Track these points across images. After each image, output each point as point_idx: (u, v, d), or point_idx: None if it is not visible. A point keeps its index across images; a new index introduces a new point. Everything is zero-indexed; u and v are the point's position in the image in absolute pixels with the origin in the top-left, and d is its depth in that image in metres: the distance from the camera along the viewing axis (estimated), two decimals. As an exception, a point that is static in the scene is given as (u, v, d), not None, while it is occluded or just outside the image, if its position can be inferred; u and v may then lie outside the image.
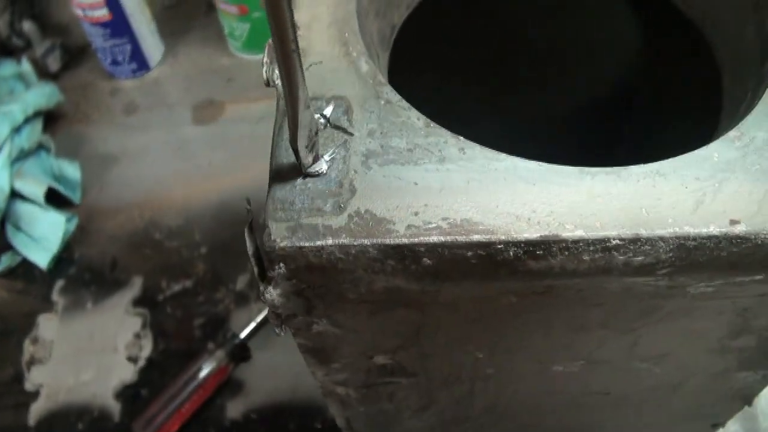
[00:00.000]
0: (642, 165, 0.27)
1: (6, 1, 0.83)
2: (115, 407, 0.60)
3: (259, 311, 0.62)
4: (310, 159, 0.26)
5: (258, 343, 0.61)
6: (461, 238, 0.25)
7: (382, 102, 0.29)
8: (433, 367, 0.35)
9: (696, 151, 0.28)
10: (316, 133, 0.26)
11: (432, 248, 0.25)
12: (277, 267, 0.26)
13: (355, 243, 0.25)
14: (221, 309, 0.64)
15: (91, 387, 0.61)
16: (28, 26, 0.82)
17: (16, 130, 0.71)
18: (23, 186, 0.68)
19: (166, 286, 0.66)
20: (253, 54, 0.81)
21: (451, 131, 0.28)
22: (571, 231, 0.25)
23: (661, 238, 0.26)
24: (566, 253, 0.25)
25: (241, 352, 0.60)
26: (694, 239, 0.26)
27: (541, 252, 0.25)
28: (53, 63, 0.82)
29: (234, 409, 0.58)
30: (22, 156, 0.71)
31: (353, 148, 0.28)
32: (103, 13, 0.75)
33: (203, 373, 0.58)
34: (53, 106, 0.77)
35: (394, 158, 0.27)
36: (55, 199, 0.70)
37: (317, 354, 0.33)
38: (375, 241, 0.25)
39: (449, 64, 0.46)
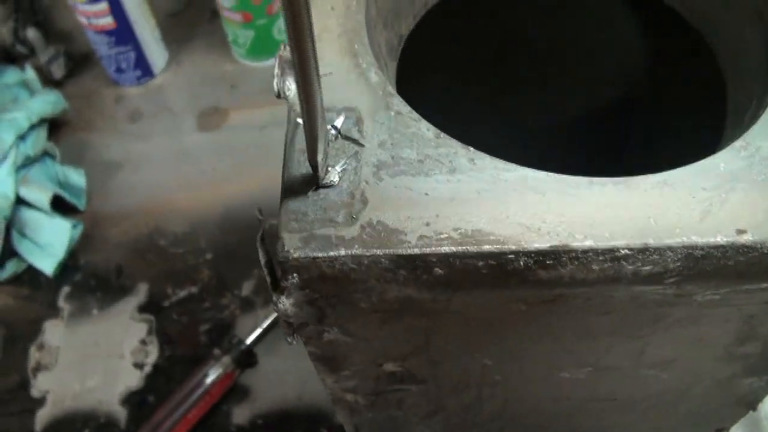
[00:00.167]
0: (650, 175, 0.28)
1: (10, 9, 0.83)
2: (121, 413, 0.60)
3: (265, 317, 0.62)
4: (323, 170, 0.27)
5: (264, 349, 0.61)
6: (472, 249, 0.25)
7: (392, 113, 0.29)
8: (442, 374, 0.36)
9: (702, 161, 0.29)
10: (328, 145, 0.26)
11: (443, 258, 0.26)
12: (290, 277, 0.26)
13: (368, 253, 0.26)
14: (227, 315, 0.64)
15: (97, 393, 0.61)
16: (32, 34, 0.82)
17: (21, 137, 0.71)
18: (28, 193, 0.69)
19: (171, 293, 0.66)
20: (257, 61, 0.82)
21: (458, 134, 0.29)
22: (581, 241, 0.26)
23: (669, 248, 0.26)
24: (576, 262, 0.26)
25: (247, 358, 0.60)
26: (702, 248, 0.26)
27: (551, 262, 0.26)
28: (57, 70, 0.82)
29: (240, 415, 0.59)
30: (27, 163, 0.71)
31: (364, 159, 0.28)
32: (107, 21, 0.75)
33: (209, 379, 0.58)
34: (58, 114, 0.77)
35: (405, 169, 0.28)
36: (60, 205, 0.70)
37: (328, 362, 0.34)
38: (387, 252, 0.26)
39: (455, 70, 0.46)
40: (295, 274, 0.26)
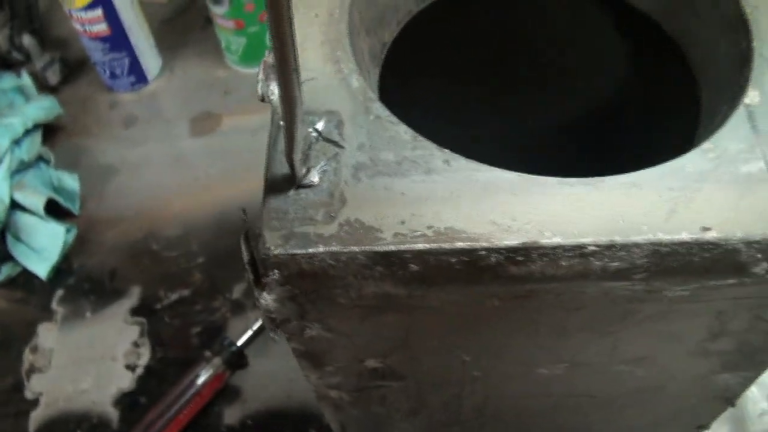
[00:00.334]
0: (618, 176, 0.29)
1: (6, 16, 0.84)
2: (113, 414, 0.61)
3: (256, 319, 0.63)
4: (303, 171, 0.28)
5: (254, 350, 0.62)
6: (445, 245, 0.26)
7: (372, 117, 0.30)
8: (422, 371, 0.37)
9: (670, 163, 0.30)
10: (309, 147, 0.27)
11: (418, 255, 0.27)
12: (271, 273, 0.27)
13: (345, 250, 0.27)
14: (218, 317, 0.65)
15: (90, 395, 0.62)
16: (27, 40, 0.83)
17: (16, 142, 0.72)
18: (23, 197, 0.70)
19: (164, 296, 0.67)
20: (250, 67, 0.83)
21: (438, 137, 0.30)
22: (550, 238, 0.27)
23: (636, 245, 0.27)
24: (545, 258, 0.27)
25: (237, 360, 0.61)
26: (667, 245, 0.27)
27: (522, 258, 0.27)
28: (53, 76, 0.83)
29: (231, 415, 0.60)
30: (22, 168, 0.72)
31: (344, 160, 0.29)
32: (102, 28, 0.76)
33: (200, 380, 0.59)
34: (53, 119, 0.78)
35: (383, 170, 0.29)
36: (54, 210, 0.71)
37: (311, 358, 0.35)
38: (364, 248, 0.27)
39: (442, 75, 0.47)
40: (275, 271, 0.27)
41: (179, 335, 0.64)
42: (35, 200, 0.69)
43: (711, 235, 0.27)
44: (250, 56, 0.81)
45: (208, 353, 0.60)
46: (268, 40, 0.80)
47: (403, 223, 0.27)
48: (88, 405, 0.61)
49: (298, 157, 0.26)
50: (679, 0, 0.39)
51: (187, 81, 0.84)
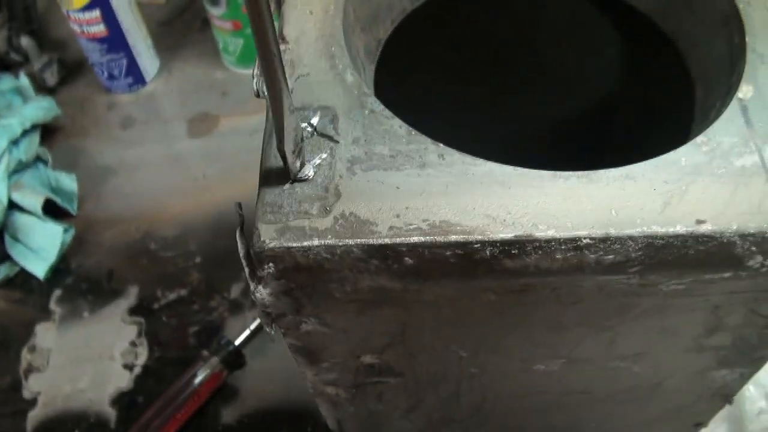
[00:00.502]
0: (612, 169, 0.29)
1: (4, 18, 0.85)
2: (111, 414, 0.61)
3: (253, 319, 0.63)
4: (297, 165, 0.28)
5: (252, 350, 0.62)
6: (440, 238, 0.27)
7: (367, 111, 0.31)
8: (419, 367, 0.37)
9: (664, 156, 0.30)
10: (302, 140, 0.28)
11: (413, 248, 0.27)
12: (266, 267, 0.27)
13: (340, 243, 0.27)
14: (216, 317, 0.65)
15: (87, 394, 0.62)
16: (25, 42, 0.83)
17: (14, 142, 0.72)
18: (21, 198, 0.70)
19: (161, 295, 0.67)
20: (247, 68, 0.83)
21: (434, 135, 0.30)
22: (544, 231, 0.27)
23: (630, 237, 0.27)
24: (540, 252, 0.27)
25: (235, 359, 0.61)
26: (662, 238, 0.27)
27: (516, 251, 0.27)
28: (51, 77, 0.83)
29: (228, 415, 0.59)
30: (20, 168, 0.72)
31: (339, 154, 0.29)
32: (99, 29, 0.77)
33: (198, 379, 0.59)
34: (51, 120, 0.78)
35: (378, 164, 0.29)
36: (52, 210, 0.71)
37: (307, 354, 0.35)
38: (359, 242, 0.27)
39: (438, 72, 0.47)
40: (270, 264, 0.27)
41: (177, 335, 0.64)
42: (33, 200, 0.69)
43: (705, 228, 0.27)
44: (247, 57, 0.82)
45: (205, 353, 0.60)
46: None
47: (398, 216, 0.27)
48: (85, 404, 0.61)
49: (290, 148, 0.26)
50: (675, -3, 0.40)
51: (185, 82, 0.84)
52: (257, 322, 0.63)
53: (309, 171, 0.28)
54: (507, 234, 0.27)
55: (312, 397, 0.40)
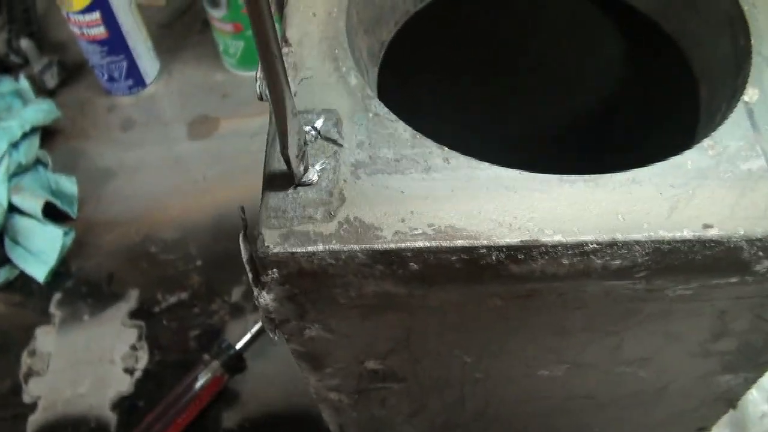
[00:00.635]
0: (618, 173, 0.29)
1: (4, 20, 0.84)
2: (111, 418, 0.60)
3: (255, 322, 0.63)
4: (301, 169, 0.27)
5: (253, 353, 0.61)
6: (446, 244, 0.26)
7: (371, 114, 0.30)
8: (423, 372, 0.36)
9: (670, 160, 0.30)
10: (306, 144, 0.27)
11: (418, 253, 0.26)
12: (270, 272, 0.27)
13: (345, 248, 0.26)
14: (216, 320, 0.64)
15: (88, 398, 0.62)
16: (25, 44, 0.83)
17: (14, 145, 0.72)
18: (21, 201, 0.69)
19: (161, 299, 0.67)
20: (247, 71, 0.83)
21: (438, 137, 0.30)
22: (551, 236, 0.26)
23: (637, 242, 0.27)
24: (546, 257, 0.27)
25: (236, 363, 0.60)
26: (669, 243, 0.27)
27: (522, 256, 0.27)
28: (50, 80, 0.83)
29: (229, 419, 0.59)
30: (19, 171, 0.72)
31: (343, 158, 0.29)
32: (100, 31, 0.76)
33: (199, 383, 0.58)
34: (50, 122, 0.78)
35: (382, 168, 0.29)
36: (52, 213, 0.71)
37: (310, 359, 0.34)
38: (364, 247, 0.26)
39: (442, 73, 0.47)
40: (274, 269, 0.27)
41: (177, 338, 0.64)
42: (33, 203, 0.69)
43: (712, 233, 0.27)
44: (247, 59, 0.81)
45: (206, 356, 0.60)
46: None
47: (403, 221, 0.27)
48: (86, 408, 0.61)
49: (293, 152, 0.26)
50: (679, -1, 0.39)
51: (185, 84, 0.84)
52: (258, 325, 0.62)
53: (313, 175, 0.28)
54: (513, 239, 0.26)
55: (314, 401, 0.40)
